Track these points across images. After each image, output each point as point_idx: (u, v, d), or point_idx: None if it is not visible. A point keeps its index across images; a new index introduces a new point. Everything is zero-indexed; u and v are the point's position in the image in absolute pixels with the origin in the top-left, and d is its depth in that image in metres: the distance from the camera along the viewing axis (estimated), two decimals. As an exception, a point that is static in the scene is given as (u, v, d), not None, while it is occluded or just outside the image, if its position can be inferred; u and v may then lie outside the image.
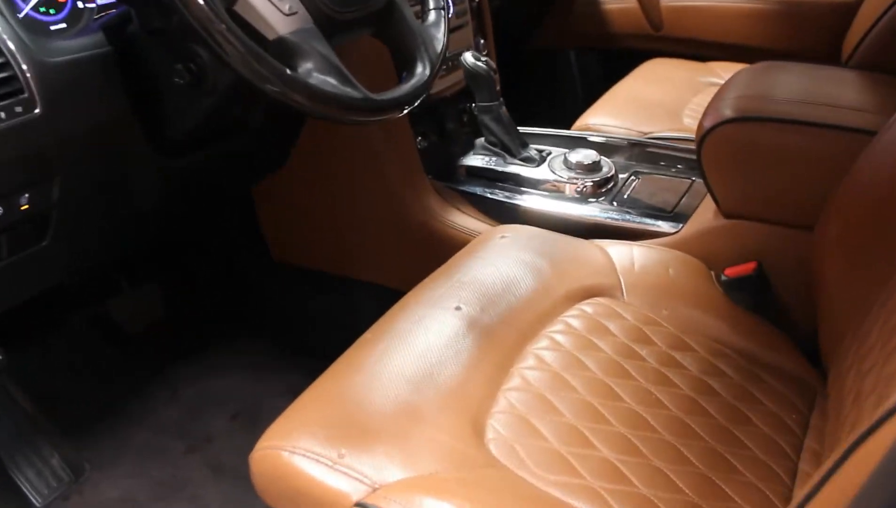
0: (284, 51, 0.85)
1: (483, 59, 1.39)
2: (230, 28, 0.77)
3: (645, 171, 1.44)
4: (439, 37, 1.03)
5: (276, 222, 1.62)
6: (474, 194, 1.43)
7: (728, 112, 1.16)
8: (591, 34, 2.40)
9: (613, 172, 1.38)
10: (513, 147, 1.43)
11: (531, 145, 1.45)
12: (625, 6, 2.30)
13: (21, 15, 1.02)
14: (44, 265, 1.07)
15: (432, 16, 1.06)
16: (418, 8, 1.09)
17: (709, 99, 1.87)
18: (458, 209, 1.43)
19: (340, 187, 1.48)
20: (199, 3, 0.76)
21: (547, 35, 2.47)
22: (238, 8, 0.83)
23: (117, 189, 1.10)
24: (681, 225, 1.27)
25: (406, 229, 1.46)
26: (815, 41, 2.11)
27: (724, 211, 1.20)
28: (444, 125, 1.54)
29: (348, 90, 0.85)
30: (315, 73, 0.84)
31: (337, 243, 1.57)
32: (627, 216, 1.30)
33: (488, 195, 1.41)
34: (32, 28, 0.94)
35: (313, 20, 0.87)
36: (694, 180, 1.39)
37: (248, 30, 0.84)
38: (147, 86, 1.00)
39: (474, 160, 1.47)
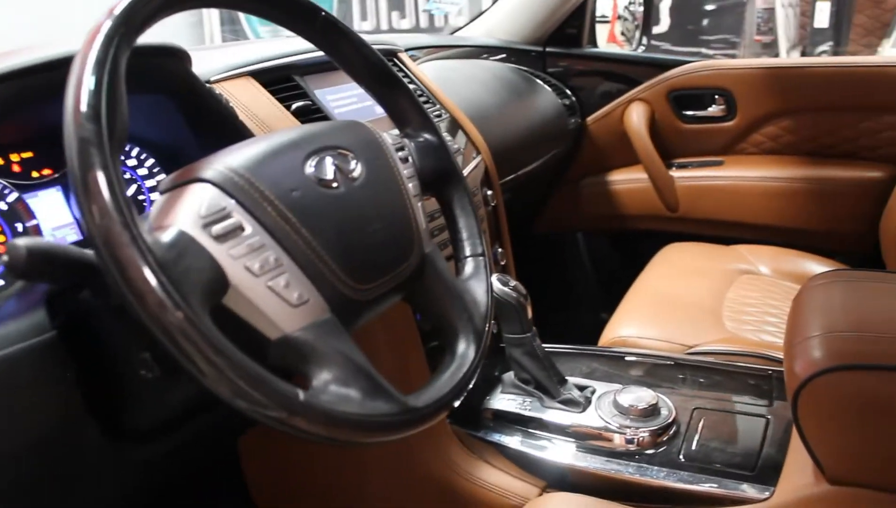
0: (290, 355, 0.62)
1: (512, 283, 1.18)
2: (205, 333, 0.53)
3: (708, 406, 1.21)
4: (480, 295, 0.82)
5: (259, 465, 1.36)
6: (507, 446, 1.19)
7: (823, 359, 0.94)
8: (600, 216, 2.24)
9: (674, 415, 1.15)
10: (550, 386, 1.20)
11: (571, 381, 1.22)
12: (635, 187, 2.16)
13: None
14: None
15: (469, 266, 0.85)
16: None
17: (745, 293, 1.70)
18: (489, 463, 1.19)
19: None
20: (153, 292, 0.52)
21: (552, 219, 2.31)
22: (228, 301, 0.61)
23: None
24: (771, 489, 1.03)
25: (423, 487, 1.20)
26: (846, 221, 1.97)
27: (831, 477, 0.96)
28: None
29: (379, 404, 0.62)
30: (333, 385, 0.61)
31: (334, 498, 1.30)
32: (703, 479, 1.06)
33: (524, 449, 1.17)
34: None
35: (330, 307, 0.65)
36: (769, 420, 1.17)
37: (244, 329, 0.62)
38: (103, 372, 0.76)
39: (503, 402, 1.23)
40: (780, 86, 1.98)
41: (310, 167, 0.68)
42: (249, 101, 1.08)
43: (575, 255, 2.32)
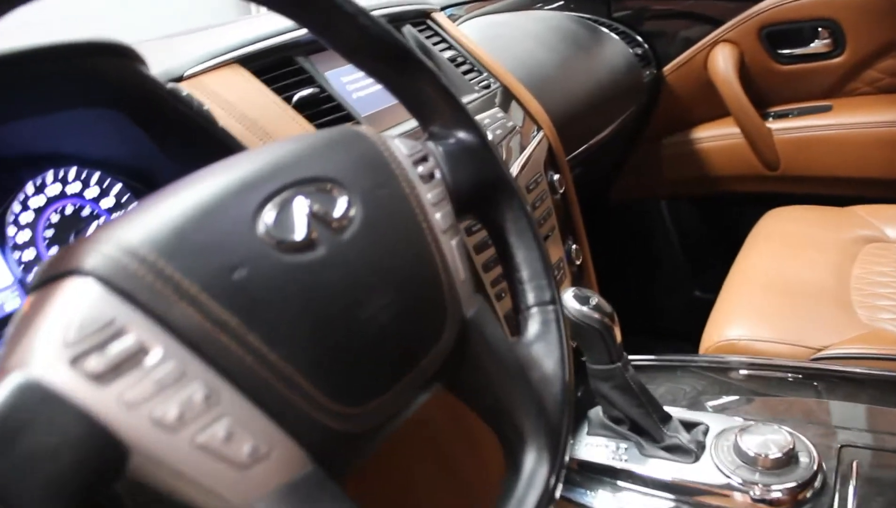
0: None
1: (594, 301, 0.92)
2: None
3: (859, 442, 0.93)
4: (552, 369, 0.56)
5: None
6: None
7: None
8: (686, 179, 1.94)
9: (817, 461, 0.88)
10: (650, 427, 0.93)
11: (675, 416, 0.96)
12: (726, 143, 1.85)
13: None
14: None
15: (534, 322, 0.59)
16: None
17: (874, 269, 1.40)
18: (577, 528, 0.94)
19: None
20: None
21: (630, 186, 2.02)
22: (135, 473, 0.36)
23: None
24: (966, 572, 0.76)
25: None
26: None
27: None
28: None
29: None
30: None
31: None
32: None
33: (623, 514, 0.92)
34: None
35: (310, 456, 0.41)
36: (947, 460, 0.89)
37: (170, 506, 0.38)
38: None
39: (591, 450, 0.98)
40: (899, 9, 1.64)
41: (265, 223, 0.43)
42: (236, 96, 0.83)
43: (660, 227, 2.03)
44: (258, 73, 0.88)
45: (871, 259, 1.43)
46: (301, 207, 0.44)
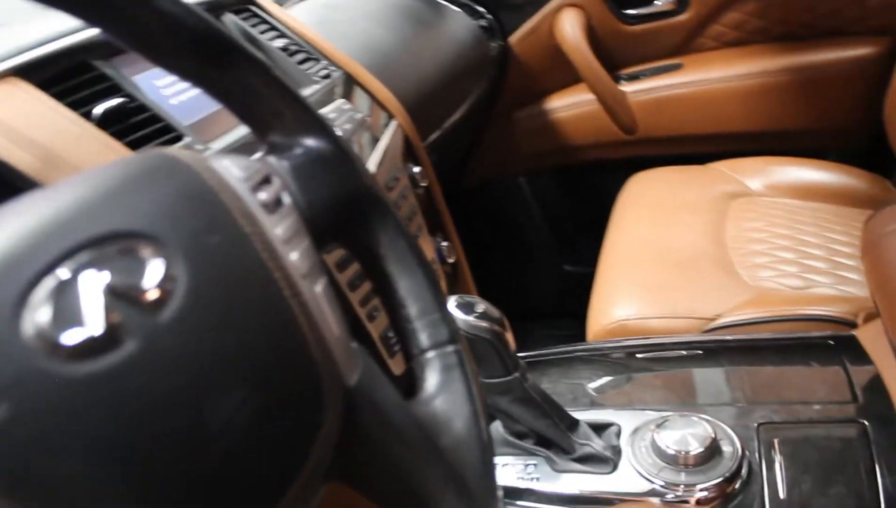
0: None
1: (480, 308, 0.80)
2: None
3: (775, 418, 0.87)
4: (462, 428, 0.44)
5: None
6: (516, 536, 0.83)
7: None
8: (543, 152, 1.87)
9: (740, 451, 0.81)
10: (559, 438, 0.84)
11: (583, 420, 0.86)
12: (581, 111, 1.79)
13: None
14: None
15: (433, 371, 0.47)
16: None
17: (746, 225, 1.37)
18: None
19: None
20: None
21: (484, 167, 1.93)
22: None
23: None
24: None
25: None
26: (839, 112, 1.65)
27: None
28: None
29: None
30: None
31: None
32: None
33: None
34: None
35: None
36: (866, 425, 0.84)
37: None
38: None
39: (497, 471, 0.87)
40: (736, -39, 1.62)
41: (35, 320, 0.28)
42: (18, 117, 0.66)
43: (521, 204, 1.95)
44: (45, 85, 0.71)
45: (741, 215, 1.40)
46: (92, 283, 0.29)
